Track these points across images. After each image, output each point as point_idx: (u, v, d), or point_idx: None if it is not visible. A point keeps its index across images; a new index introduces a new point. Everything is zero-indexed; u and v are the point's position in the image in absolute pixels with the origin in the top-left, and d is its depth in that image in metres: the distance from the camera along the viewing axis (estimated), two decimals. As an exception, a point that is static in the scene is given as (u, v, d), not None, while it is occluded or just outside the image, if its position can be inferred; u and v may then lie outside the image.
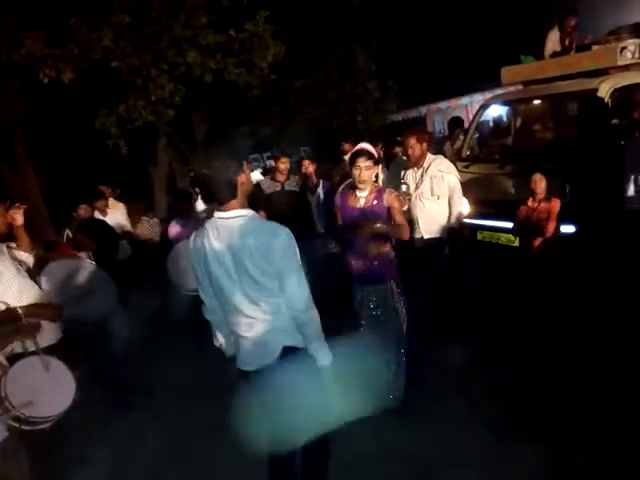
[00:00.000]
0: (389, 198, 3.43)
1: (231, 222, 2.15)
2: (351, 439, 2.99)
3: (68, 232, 5.26)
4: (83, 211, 5.58)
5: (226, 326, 2.39)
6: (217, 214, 2.19)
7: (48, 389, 2.32)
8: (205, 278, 2.29)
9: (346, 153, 6.53)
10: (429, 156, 4.65)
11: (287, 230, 2.17)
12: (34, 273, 3.30)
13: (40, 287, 3.15)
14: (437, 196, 4.57)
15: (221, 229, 2.16)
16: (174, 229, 5.09)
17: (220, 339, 2.50)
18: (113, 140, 7.49)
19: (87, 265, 3.61)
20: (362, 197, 3.43)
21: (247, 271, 2.14)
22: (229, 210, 2.16)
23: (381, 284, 3.50)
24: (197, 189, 5.58)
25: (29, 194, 8.64)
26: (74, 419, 2.52)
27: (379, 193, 3.44)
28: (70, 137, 9.54)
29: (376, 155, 3.46)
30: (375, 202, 3.41)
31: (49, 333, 3.06)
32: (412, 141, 4.57)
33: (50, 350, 2.86)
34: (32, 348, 2.76)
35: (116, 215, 6.12)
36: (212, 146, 11.68)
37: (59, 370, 2.43)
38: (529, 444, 3.03)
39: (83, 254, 3.85)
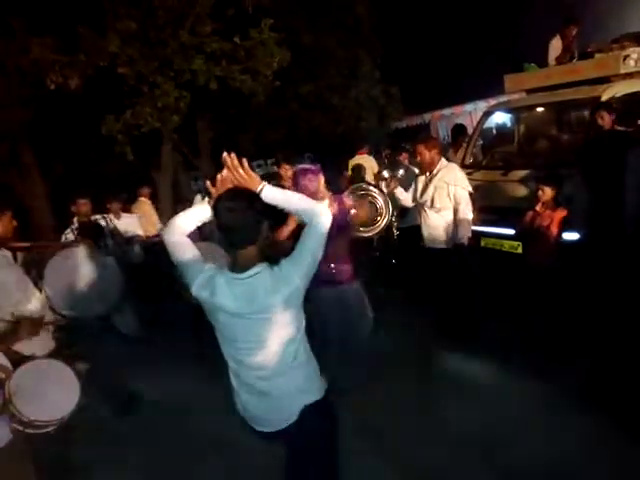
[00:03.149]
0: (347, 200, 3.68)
1: (248, 282, 2.02)
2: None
3: (66, 236, 5.17)
4: (83, 206, 5.33)
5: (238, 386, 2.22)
6: (230, 274, 2.05)
7: (52, 392, 2.34)
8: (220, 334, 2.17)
9: None
10: (440, 163, 4.61)
11: (297, 276, 2.05)
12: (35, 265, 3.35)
13: (43, 285, 3.20)
14: (438, 208, 4.56)
15: (238, 292, 2.02)
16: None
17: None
18: (119, 146, 7.54)
19: (88, 253, 3.63)
20: None
21: (271, 323, 2.04)
22: (245, 262, 2.04)
23: (342, 286, 3.62)
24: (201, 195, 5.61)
25: (35, 199, 8.72)
26: (77, 422, 2.54)
27: (337, 201, 3.60)
28: (76, 143, 9.61)
29: (314, 168, 3.57)
30: (336, 211, 3.49)
31: (47, 339, 3.10)
32: (420, 148, 4.60)
33: (53, 354, 2.90)
34: (37, 352, 2.81)
35: (130, 220, 6.17)
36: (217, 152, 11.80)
37: (63, 373, 2.45)
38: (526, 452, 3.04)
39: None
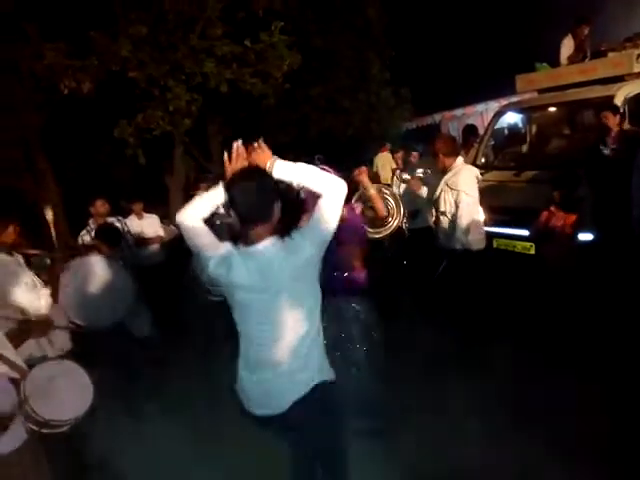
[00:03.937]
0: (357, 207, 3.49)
1: (261, 255, 2.05)
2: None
3: (82, 237, 5.21)
4: (102, 207, 5.39)
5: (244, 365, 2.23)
6: (244, 248, 2.09)
7: (67, 392, 2.35)
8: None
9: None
10: (453, 165, 4.51)
11: (309, 244, 2.07)
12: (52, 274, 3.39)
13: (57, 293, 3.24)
14: (443, 211, 4.52)
15: (252, 265, 2.04)
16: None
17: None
18: (131, 150, 7.60)
19: (103, 263, 3.66)
20: None
21: (287, 299, 2.05)
22: (257, 238, 2.06)
23: (359, 296, 3.47)
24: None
25: (50, 204, 8.80)
26: (91, 423, 2.56)
27: (349, 207, 3.42)
28: (89, 147, 9.70)
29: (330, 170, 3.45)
30: (348, 216, 3.33)
31: (62, 340, 3.15)
32: (434, 148, 4.57)
33: (67, 355, 2.93)
34: (50, 353, 2.84)
35: (152, 219, 6.23)
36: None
37: (77, 373, 2.47)
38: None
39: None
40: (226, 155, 2.22)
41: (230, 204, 2.09)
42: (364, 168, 3.50)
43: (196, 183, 6.02)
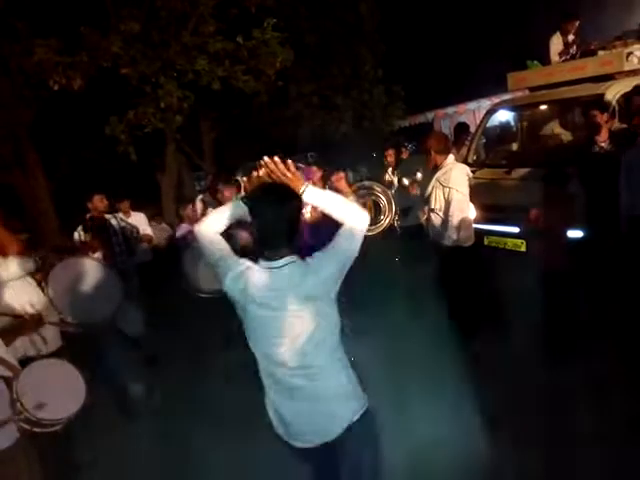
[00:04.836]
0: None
1: (280, 272, 1.99)
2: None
3: (79, 232, 5.18)
4: (100, 202, 5.30)
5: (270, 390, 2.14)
6: (264, 263, 2.03)
7: (59, 391, 2.35)
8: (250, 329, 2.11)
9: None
10: (444, 162, 4.53)
11: (327, 268, 2.01)
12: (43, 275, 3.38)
13: (47, 291, 3.23)
14: (434, 208, 4.54)
15: (271, 280, 1.99)
16: (182, 230, 5.11)
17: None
18: (122, 147, 7.57)
19: (91, 264, 3.66)
20: (307, 212, 3.39)
21: (302, 319, 1.99)
22: (278, 257, 2.00)
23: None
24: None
25: (39, 200, 8.75)
26: (82, 422, 2.56)
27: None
28: (80, 143, 9.65)
29: (307, 168, 3.43)
30: (321, 215, 3.28)
31: (52, 339, 3.14)
32: (426, 146, 4.59)
33: (57, 354, 2.93)
34: (43, 351, 2.84)
35: (139, 217, 6.21)
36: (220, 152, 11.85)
37: (70, 373, 2.47)
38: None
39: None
40: (246, 179, 2.12)
41: (253, 222, 2.02)
42: (342, 174, 3.48)
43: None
